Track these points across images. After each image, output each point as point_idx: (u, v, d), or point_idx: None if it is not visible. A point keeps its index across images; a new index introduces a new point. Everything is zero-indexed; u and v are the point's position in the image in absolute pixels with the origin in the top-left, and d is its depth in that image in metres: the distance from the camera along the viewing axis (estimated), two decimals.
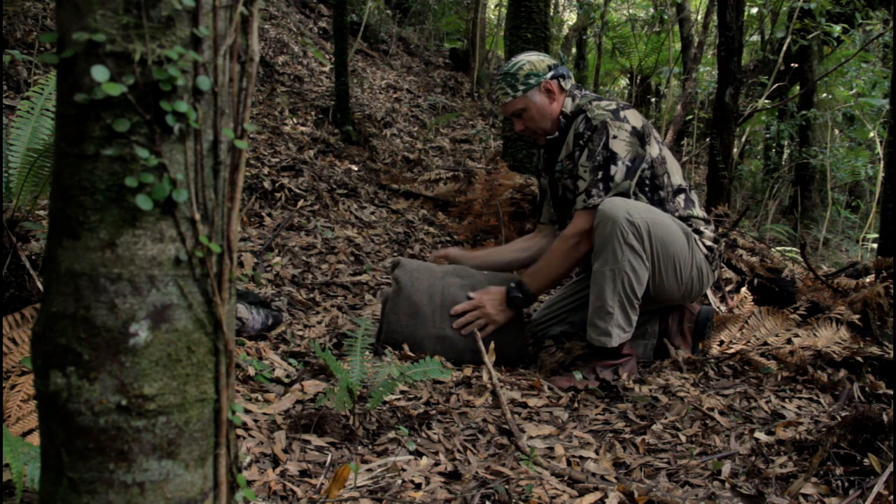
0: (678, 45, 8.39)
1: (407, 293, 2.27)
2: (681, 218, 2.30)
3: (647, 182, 2.28)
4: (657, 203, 2.28)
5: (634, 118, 2.25)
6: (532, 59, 2.35)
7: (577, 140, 2.28)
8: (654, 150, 2.28)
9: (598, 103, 2.28)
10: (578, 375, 2.16)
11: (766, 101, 6.08)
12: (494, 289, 2.30)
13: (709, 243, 2.33)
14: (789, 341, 2.37)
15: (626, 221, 2.09)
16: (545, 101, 2.34)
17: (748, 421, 1.86)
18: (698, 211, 2.36)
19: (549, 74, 2.34)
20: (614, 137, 2.21)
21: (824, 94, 7.90)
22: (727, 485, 1.48)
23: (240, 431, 1.62)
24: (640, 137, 2.23)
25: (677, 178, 2.35)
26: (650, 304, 2.32)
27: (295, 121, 4.75)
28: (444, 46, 8.63)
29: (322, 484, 1.44)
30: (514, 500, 1.39)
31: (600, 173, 2.20)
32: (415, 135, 5.50)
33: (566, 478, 1.51)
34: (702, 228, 2.34)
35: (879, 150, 6.32)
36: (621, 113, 2.24)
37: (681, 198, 2.33)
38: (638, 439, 1.74)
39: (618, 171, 2.20)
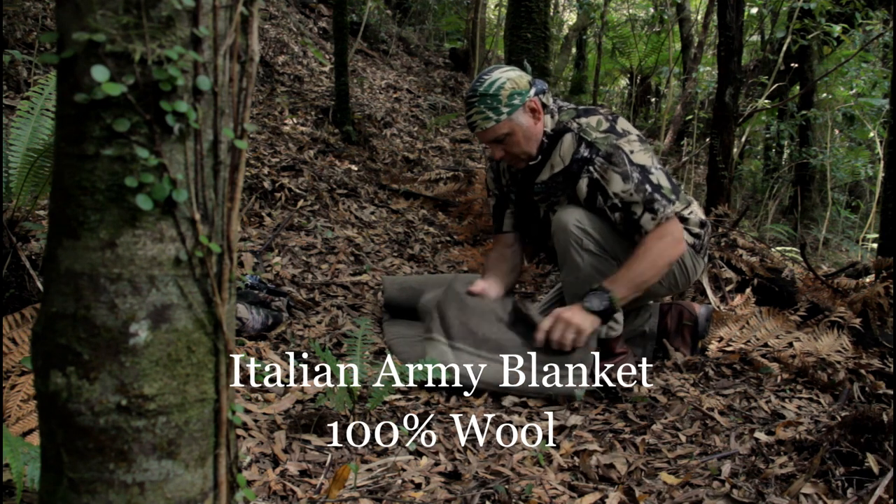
0: (678, 45, 8.39)
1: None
2: None
3: None
4: None
5: (627, 125, 2.15)
6: (511, 76, 2.08)
7: (581, 166, 2.08)
8: None
9: (587, 122, 2.12)
10: None
11: (766, 101, 6.07)
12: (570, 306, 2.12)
13: (696, 230, 2.23)
14: (790, 345, 2.37)
15: (576, 228, 2.07)
16: (531, 122, 2.11)
17: (748, 421, 1.86)
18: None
19: (532, 91, 2.11)
20: (632, 152, 2.07)
21: (824, 94, 7.89)
22: (727, 485, 1.47)
23: (240, 431, 1.62)
24: (643, 140, 2.14)
25: None
26: (639, 300, 2.31)
27: (295, 121, 4.74)
28: (444, 46, 8.63)
29: (322, 484, 1.44)
30: (514, 500, 1.39)
31: (647, 187, 2.05)
32: (415, 135, 5.50)
33: (566, 478, 1.51)
34: (685, 215, 2.21)
35: (879, 150, 6.32)
36: (617, 128, 2.11)
37: None
38: (638, 439, 1.74)
39: (658, 176, 2.07)
